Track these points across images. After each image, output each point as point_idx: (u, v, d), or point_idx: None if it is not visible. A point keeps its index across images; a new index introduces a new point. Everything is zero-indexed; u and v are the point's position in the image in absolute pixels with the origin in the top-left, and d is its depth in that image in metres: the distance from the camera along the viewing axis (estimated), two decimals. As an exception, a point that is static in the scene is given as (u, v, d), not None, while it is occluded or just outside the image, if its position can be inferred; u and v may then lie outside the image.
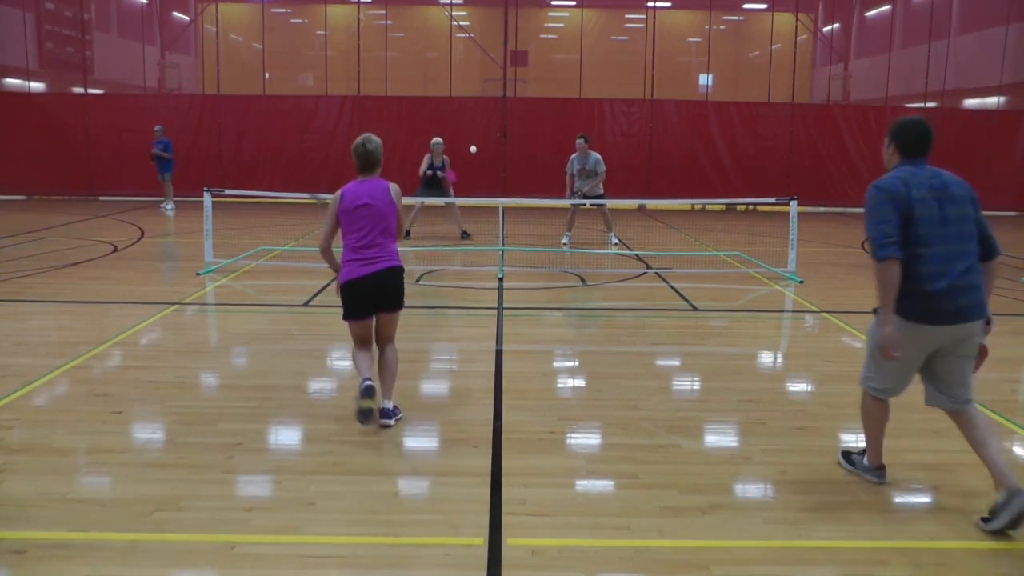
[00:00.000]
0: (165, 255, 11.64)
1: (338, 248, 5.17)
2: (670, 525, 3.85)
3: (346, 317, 5.19)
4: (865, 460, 4.43)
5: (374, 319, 5.23)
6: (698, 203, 20.23)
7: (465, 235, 13.72)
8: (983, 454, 3.89)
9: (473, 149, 14.44)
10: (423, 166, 13.43)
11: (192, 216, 15.29)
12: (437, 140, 13.48)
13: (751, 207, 19.91)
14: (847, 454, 4.55)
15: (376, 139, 5.25)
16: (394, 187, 5.22)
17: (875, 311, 3.90)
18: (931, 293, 3.75)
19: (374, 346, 5.32)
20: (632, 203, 19.21)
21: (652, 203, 19.88)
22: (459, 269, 11.04)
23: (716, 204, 20.08)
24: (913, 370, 4.04)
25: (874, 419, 4.30)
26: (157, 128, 17.06)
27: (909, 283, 3.76)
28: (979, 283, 3.86)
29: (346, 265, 5.12)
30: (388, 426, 5.05)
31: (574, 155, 12.94)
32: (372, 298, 5.13)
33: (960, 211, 3.82)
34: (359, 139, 5.23)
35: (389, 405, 5.13)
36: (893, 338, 3.81)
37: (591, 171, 12.78)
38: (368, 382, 4.95)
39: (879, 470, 4.36)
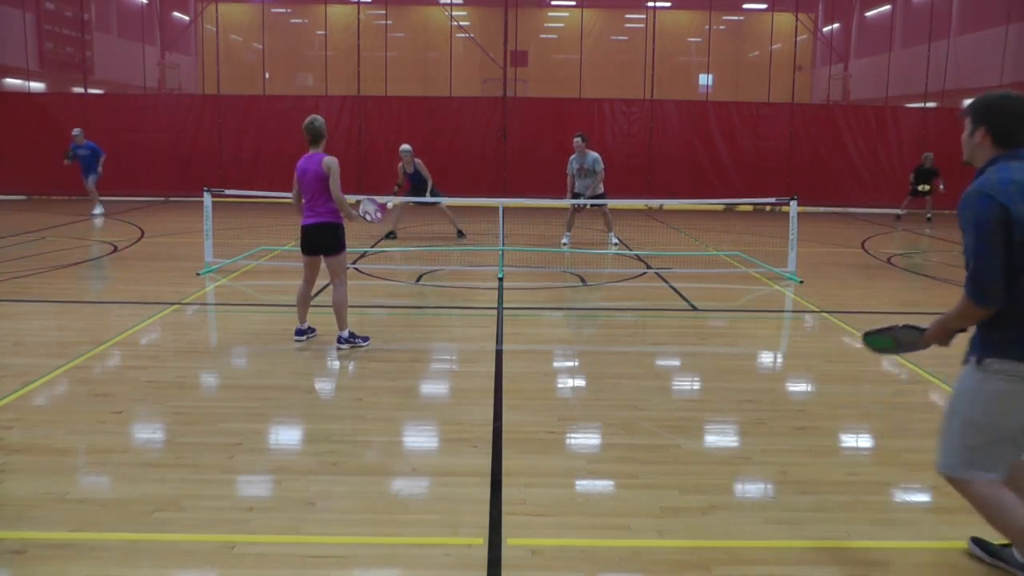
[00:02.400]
0: (165, 255, 11.64)
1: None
2: (670, 525, 3.85)
3: (301, 251, 6.88)
4: (1016, 553, 3.37)
5: (322, 261, 6.86)
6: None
7: (461, 234, 13.75)
8: None
9: (390, 205, 13.50)
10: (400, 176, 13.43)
11: (192, 216, 15.29)
12: (405, 147, 13.30)
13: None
14: (982, 543, 3.54)
15: (319, 119, 6.71)
16: (327, 160, 6.62)
17: (977, 360, 3.11)
18: None
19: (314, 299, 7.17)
20: (640, 203, 19.21)
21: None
22: (459, 269, 11.04)
23: (714, 204, 20.08)
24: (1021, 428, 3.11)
25: (999, 505, 3.16)
26: (76, 131, 16.10)
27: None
28: None
29: (304, 215, 6.79)
30: (341, 350, 6.72)
31: (572, 156, 12.94)
32: (311, 242, 6.78)
33: None
34: (308, 118, 6.71)
35: (344, 334, 6.79)
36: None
37: (589, 170, 12.77)
38: (299, 330, 6.94)
39: None
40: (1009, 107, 3.02)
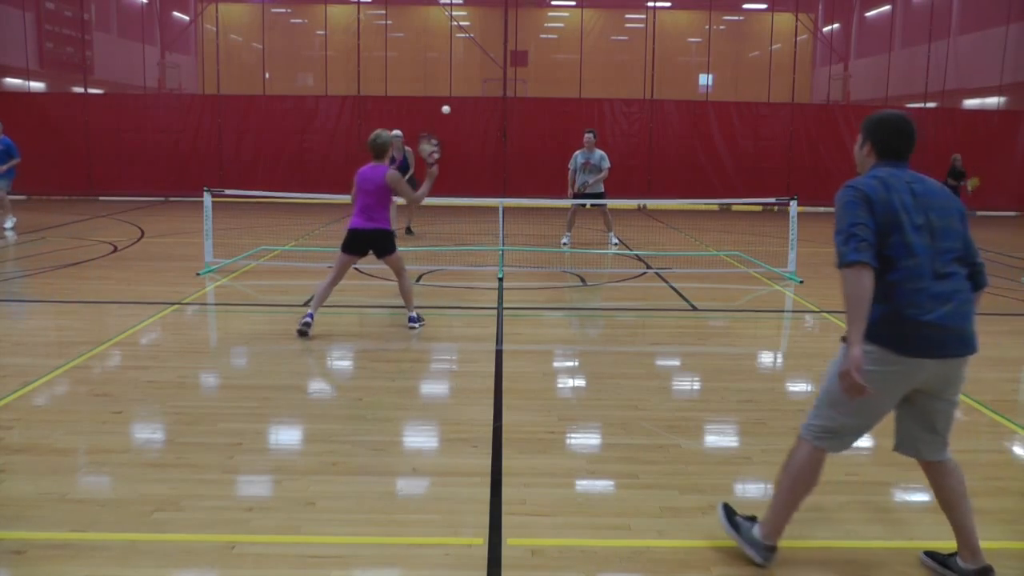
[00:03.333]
0: (165, 255, 11.64)
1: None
2: (670, 525, 3.85)
3: (342, 249, 7.35)
4: (756, 531, 3.51)
5: (380, 262, 7.56)
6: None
7: (409, 231, 13.97)
8: (961, 518, 3.39)
9: (446, 109, 13.67)
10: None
11: (192, 216, 15.30)
12: (397, 133, 13.31)
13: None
14: (730, 511, 3.67)
15: (384, 134, 7.32)
16: (391, 174, 7.25)
17: (843, 338, 3.24)
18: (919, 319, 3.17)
19: (330, 294, 7.49)
20: (632, 203, 19.24)
21: (652, 203, 19.88)
22: (459, 269, 11.04)
23: (711, 204, 20.09)
24: (881, 413, 3.38)
25: (802, 481, 3.40)
26: None
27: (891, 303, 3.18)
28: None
29: (355, 218, 7.32)
30: (413, 329, 7.40)
31: (578, 151, 12.96)
32: (365, 245, 7.34)
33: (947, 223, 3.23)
34: (372, 135, 7.33)
35: (413, 314, 7.51)
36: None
37: (595, 166, 12.80)
38: (307, 321, 7.09)
39: (769, 551, 3.46)
40: (892, 125, 3.33)
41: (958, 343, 3.18)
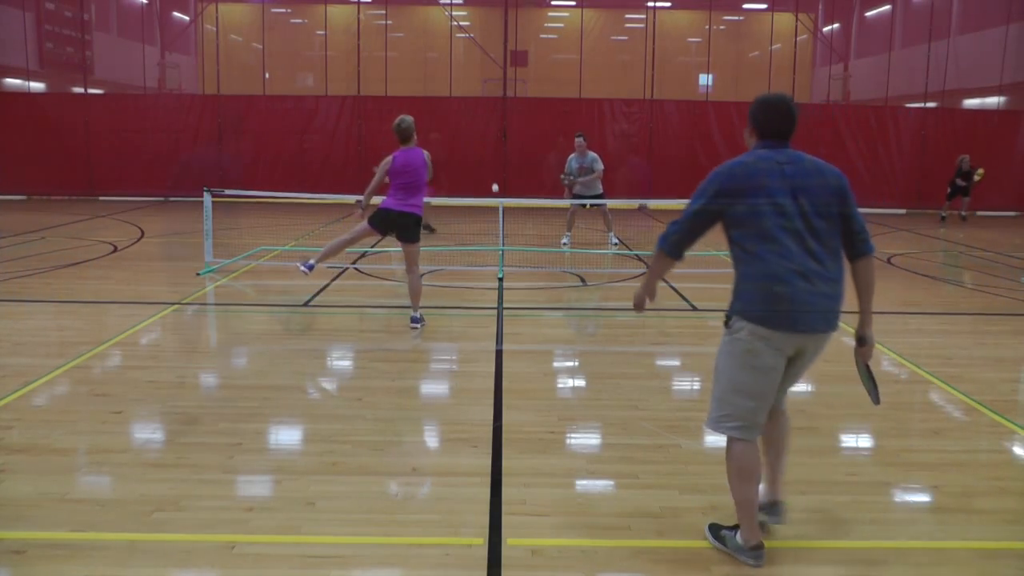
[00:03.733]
0: (165, 255, 11.64)
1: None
2: (670, 525, 3.85)
3: (369, 223, 7.31)
4: (738, 537, 3.54)
5: (400, 247, 7.48)
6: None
7: (431, 230, 14.12)
8: (774, 459, 3.73)
9: (495, 188, 13.81)
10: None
11: (192, 216, 15.30)
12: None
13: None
14: (715, 528, 3.69)
15: (408, 119, 7.24)
16: (426, 153, 7.43)
17: (726, 323, 3.47)
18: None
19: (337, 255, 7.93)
20: (632, 203, 19.24)
21: (654, 203, 19.89)
22: (459, 269, 11.04)
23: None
24: (775, 385, 3.47)
25: (745, 475, 3.47)
26: None
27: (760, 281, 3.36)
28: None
29: (388, 199, 7.26)
30: (415, 329, 7.35)
31: (572, 155, 12.98)
32: (392, 225, 7.25)
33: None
34: (396, 120, 7.25)
35: (416, 314, 7.46)
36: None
37: (589, 168, 12.85)
38: (310, 263, 7.49)
39: (755, 549, 3.48)
40: (770, 107, 3.57)
41: (822, 320, 3.39)
